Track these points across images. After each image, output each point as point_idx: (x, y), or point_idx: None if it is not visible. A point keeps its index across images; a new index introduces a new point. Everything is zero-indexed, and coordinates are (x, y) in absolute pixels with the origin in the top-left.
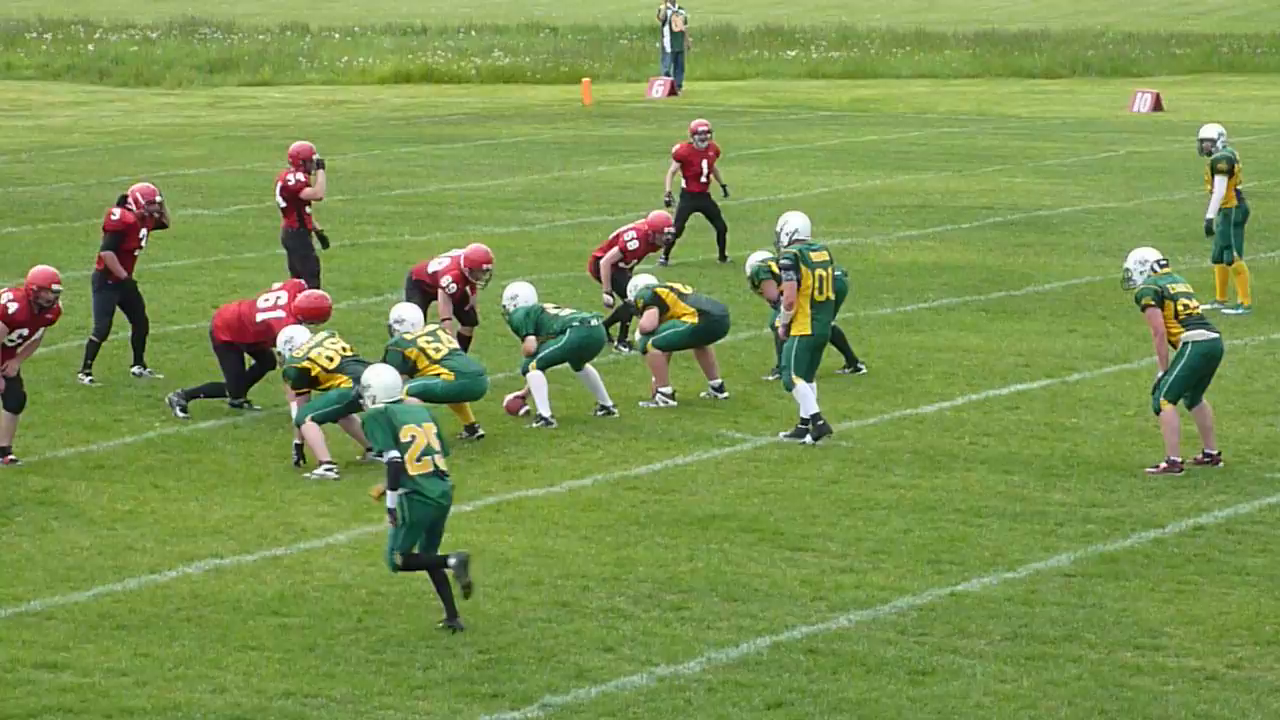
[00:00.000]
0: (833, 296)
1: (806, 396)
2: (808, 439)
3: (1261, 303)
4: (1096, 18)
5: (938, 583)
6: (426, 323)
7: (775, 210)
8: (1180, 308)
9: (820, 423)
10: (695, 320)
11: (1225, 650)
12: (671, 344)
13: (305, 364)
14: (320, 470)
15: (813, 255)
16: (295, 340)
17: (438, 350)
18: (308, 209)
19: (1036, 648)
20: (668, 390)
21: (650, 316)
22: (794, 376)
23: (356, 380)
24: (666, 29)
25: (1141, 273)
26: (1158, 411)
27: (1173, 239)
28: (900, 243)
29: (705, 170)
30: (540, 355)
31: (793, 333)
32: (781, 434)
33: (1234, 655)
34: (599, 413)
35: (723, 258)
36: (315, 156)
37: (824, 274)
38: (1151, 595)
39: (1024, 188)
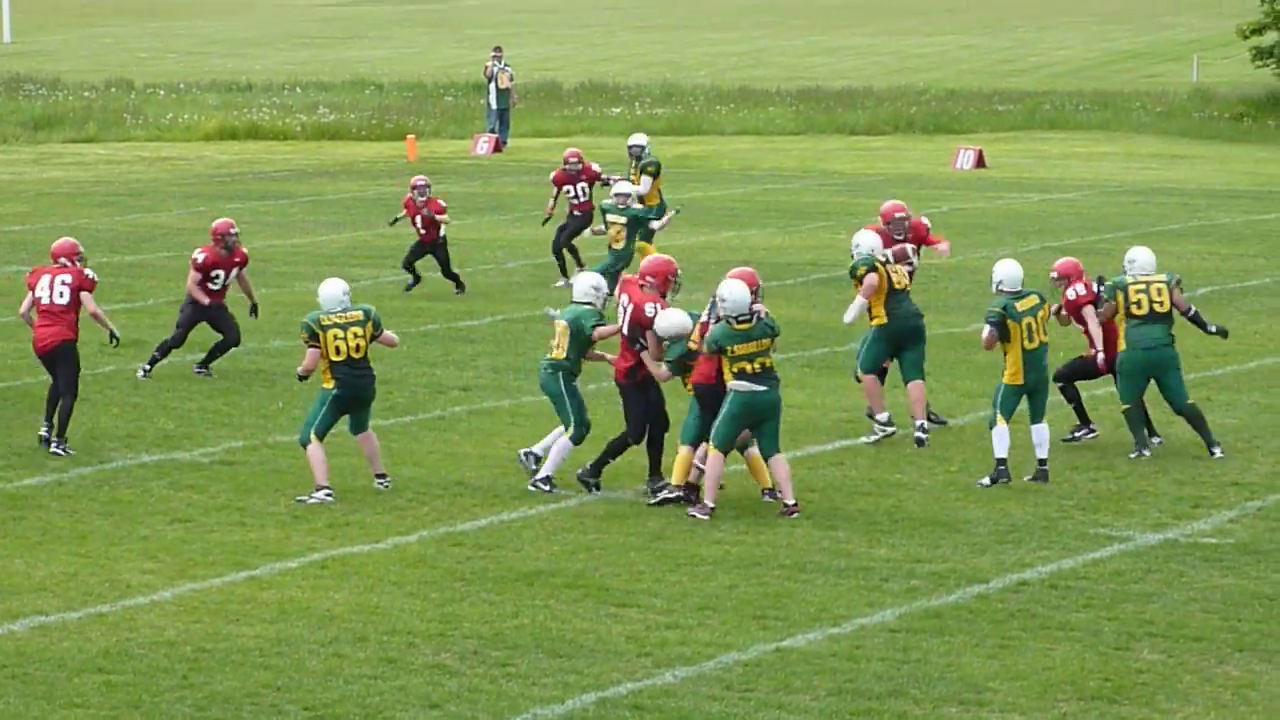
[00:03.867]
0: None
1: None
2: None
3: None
4: (919, 75)
5: (763, 638)
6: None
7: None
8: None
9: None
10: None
11: (1049, 705)
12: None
13: (319, 334)
14: (319, 495)
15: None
16: (324, 302)
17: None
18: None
19: (861, 703)
20: (883, 418)
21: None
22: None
23: (343, 384)
24: (492, 86)
25: None
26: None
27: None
28: None
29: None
30: None
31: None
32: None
33: (1058, 710)
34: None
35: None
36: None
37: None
38: (976, 650)
39: (847, 244)
